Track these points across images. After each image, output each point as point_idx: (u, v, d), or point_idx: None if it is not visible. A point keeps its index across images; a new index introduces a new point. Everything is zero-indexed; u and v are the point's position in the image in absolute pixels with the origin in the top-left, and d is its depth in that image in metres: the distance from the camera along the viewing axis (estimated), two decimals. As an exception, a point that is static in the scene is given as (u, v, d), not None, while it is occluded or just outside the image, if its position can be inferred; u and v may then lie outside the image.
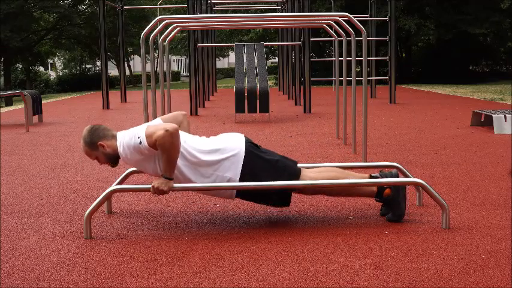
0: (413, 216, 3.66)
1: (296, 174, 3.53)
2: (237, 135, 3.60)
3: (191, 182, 3.45)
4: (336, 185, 3.52)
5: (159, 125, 3.37)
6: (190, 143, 3.47)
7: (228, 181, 3.43)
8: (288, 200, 3.63)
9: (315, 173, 3.61)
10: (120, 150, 3.41)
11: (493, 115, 7.78)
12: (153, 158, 3.39)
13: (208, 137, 3.64)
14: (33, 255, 3.08)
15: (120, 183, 3.87)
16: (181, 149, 3.39)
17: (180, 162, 3.40)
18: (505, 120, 7.64)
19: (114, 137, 3.51)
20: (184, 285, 2.65)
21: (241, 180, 3.43)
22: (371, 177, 3.60)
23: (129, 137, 3.38)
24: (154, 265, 2.90)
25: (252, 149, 3.51)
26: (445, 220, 3.43)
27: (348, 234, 3.35)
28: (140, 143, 3.31)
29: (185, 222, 3.67)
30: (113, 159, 3.52)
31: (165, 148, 3.25)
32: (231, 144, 3.49)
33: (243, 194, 3.53)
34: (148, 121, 5.51)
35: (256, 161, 3.46)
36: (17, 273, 2.82)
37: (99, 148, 3.49)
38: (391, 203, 3.55)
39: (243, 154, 3.45)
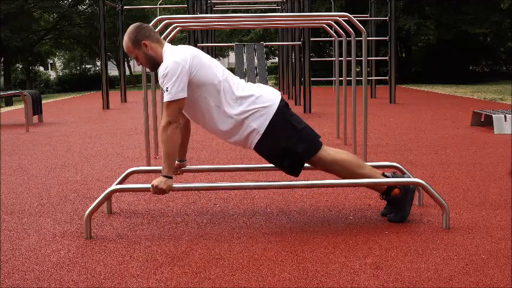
0: (413, 216, 3.66)
1: (316, 147, 3.49)
2: (274, 90, 3.58)
3: (213, 121, 3.43)
4: (340, 185, 3.50)
5: (175, 106, 3.29)
6: (230, 81, 3.44)
7: (251, 132, 3.42)
8: (298, 171, 3.57)
9: (334, 151, 3.57)
10: (162, 66, 3.35)
11: (493, 115, 7.78)
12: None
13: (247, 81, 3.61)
14: (33, 255, 3.08)
15: (120, 183, 3.87)
16: (222, 84, 3.39)
17: (214, 98, 3.38)
18: (505, 120, 7.64)
19: (160, 43, 3.47)
20: (184, 285, 2.65)
21: (263, 134, 3.41)
22: (383, 176, 3.58)
23: (168, 72, 3.29)
24: (154, 265, 2.90)
25: (284, 108, 3.48)
26: (445, 220, 3.43)
27: (348, 234, 3.35)
28: (164, 91, 3.30)
29: (185, 222, 3.67)
30: (153, 62, 3.48)
31: (163, 139, 3.29)
32: (267, 95, 3.46)
33: (261, 148, 3.49)
34: (148, 122, 5.52)
35: (283, 121, 3.44)
36: (17, 273, 2.82)
37: (142, 47, 3.44)
38: (397, 203, 3.53)
39: (274, 110, 3.43)
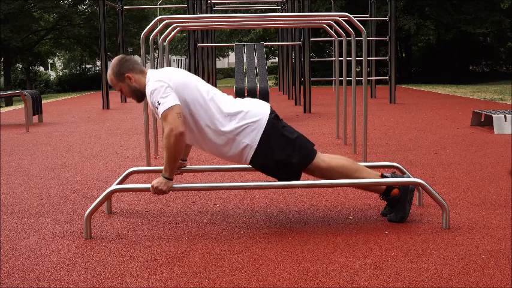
0: (413, 216, 3.66)
1: (310, 156, 3.50)
2: (263, 102, 3.59)
3: (206, 140, 3.45)
4: (339, 185, 3.51)
5: (172, 113, 3.27)
6: (217, 100, 3.46)
7: (244, 147, 3.43)
8: (296, 178, 3.57)
9: (329, 158, 3.58)
10: (147, 90, 3.39)
11: (493, 115, 7.78)
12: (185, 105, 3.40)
13: (235, 97, 3.62)
14: (33, 255, 3.08)
15: (120, 183, 3.87)
16: (209, 104, 3.40)
17: (202, 118, 3.40)
18: (505, 120, 7.64)
19: (143, 73, 3.50)
20: (184, 285, 2.65)
21: (257, 148, 3.42)
22: (382, 176, 3.58)
23: (154, 90, 3.32)
24: (154, 265, 2.90)
25: (274, 120, 3.49)
26: (445, 220, 3.43)
27: (348, 234, 3.35)
28: (157, 108, 3.31)
29: (185, 222, 3.68)
30: (138, 94, 3.51)
31: (166, 146, 3.26)
32: (255, 109, 3.47)
33: (256, 162, 3.50)
34: (148, 122, 5.51)
35: (276, 133, 3.45)
36: (17, 273, 2.82)
37: (125, 80, 3.48)
38: (397, 203, 3.54)
39: (264, 123, 3.44)
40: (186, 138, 3.50)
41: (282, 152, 3.44)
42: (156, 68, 5.01)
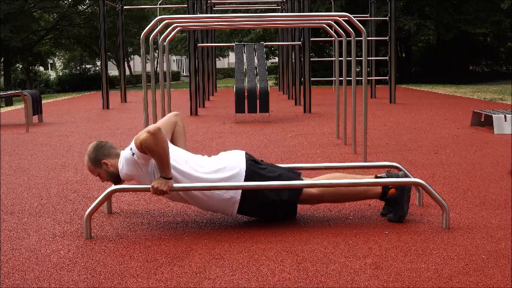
0: (413, 216, 3.66)
1: (298, 189, 3.53)
2: (237, 152, 3.61)
3: (191, 198, 3.49)
4: (338, 185, 3.52)
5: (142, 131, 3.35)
6: (191, 163, 3.48)
7: (228, 200, 3.46)
8: (294, 213, 3.66)
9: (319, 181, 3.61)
10: (120, 167, 3.44)
11: (493, 115, 7.78)
12: (152, 174, 3.40)
13: (210, 156, 3.65)
14: (33, 255, 3.08)
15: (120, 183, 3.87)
16: (185, 169, 3.42)
17: (183, 180, 3.42)
18: (505, 120, 7.64)
19: (118, 156, 3.53)
20: (184, 285, 2.65)
21: (242, 198, 3.45)
22: (377, 177, 3.59)
23: (125, 153, 3.42)
24: (154, 265, 2.90)
25: (252, 166, 3.51)
26: (445, 220, 3.43)
27: (348, 234, 3.35)
28: (133, 154, 3.34)
29: (185, 222, 3.67)
30: (115, 177, 3.53)
31: (152, 149, 3.25)
32: (231, 163, 3.50)
33: (245, 212, 3.57)
34: (148, 122, 5.51)
35: (257, 179, 3.47)
36: (17, 273, 2.82)
37: (102, 166, 3.51)
38: (395, 203, 3.54)
39: (243, 173, 3.46)
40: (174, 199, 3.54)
41: (269, 194, 3.48)
42: (156, 68, 5.01)
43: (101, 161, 3.51)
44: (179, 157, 3.48)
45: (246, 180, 3.45)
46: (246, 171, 3.47)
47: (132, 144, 3.35)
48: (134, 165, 3.37)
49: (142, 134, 3.25)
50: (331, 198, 3.63)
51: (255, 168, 3.52)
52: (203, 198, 3.48)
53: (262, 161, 3.67)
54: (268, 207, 3.53)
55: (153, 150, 3.25)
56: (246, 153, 3.60)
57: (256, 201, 3.50)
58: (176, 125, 3.76)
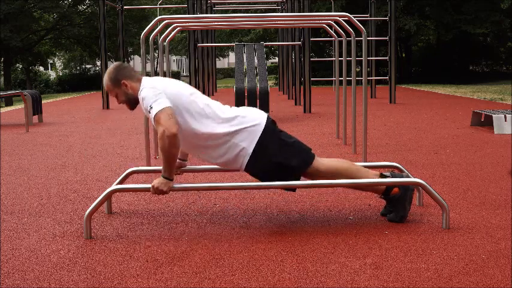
0: (413, 216, 3.66)
1: (309, 158, 3.51)
2: (260, 110, 3.61)
3: (202, 146, 3.46)
4: (338, 185, 3.51)
5: (164, 114, 3.28)
6: (213, 107, 3.48)
7: (240, 151, 3.42)
8: (296, 180, 3.58)
9: (328, 160, 3.59)
10: (140, 96, 3.43)
11: (493, 115, 7.78)
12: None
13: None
14: (33, 255, 3.08)
15: (120, 183, 3.87)
16: (205, 110, 3.42)
17: (197, 125, 3.40)
18: (505, 120, 7.64)
19: (139, 81, 3.52)
20: (184, 285, 2.65)
21: (253, 153, 3.41)
22: (381, 175, 3.58)
23: (147, 95, 3.36)
24: (154, 265, 2.90)
25: (271, 125, 3.50)
26: (445, 220, 3.43)
27: (348, 234, 3.35)
28: (149, 112, 3.33)
29: (185, 222, 3.67)
30: (132, 101, 3.55)
31: (161, 148, 3.28)
32: (252, 115, 3.49)
33: (253, 168, 3.49)
34: (148, 122, 5.51)
35: (273, 138, 3.45)
36: (17, 273, 2.82)
37: (122, 86, 3.51)
38: (397, 202, 3.53)
39: (262, 128, 3.45)
40: (182, 146, 3.51)
41: (280, 156, 3.45)
42: (156, 68, 5.02)
43: (120, 81, 3.50)
44: (202, 98, 3.49)
45: (262, 135, 3.42)
46: (265, 127, 3.45)
47: (153, 111, 3.29)
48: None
49: (160, 128, 3.23)
50: (335, 178, 3.56)
51: (273, 127, 3.51)
52: (215, 147, 3.44)
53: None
54: (274, 167, 3.46)
55: (162, 150, 3.27)
56: (269, 116, 3.60)
57: (263, 159, 3.44)
58: None
